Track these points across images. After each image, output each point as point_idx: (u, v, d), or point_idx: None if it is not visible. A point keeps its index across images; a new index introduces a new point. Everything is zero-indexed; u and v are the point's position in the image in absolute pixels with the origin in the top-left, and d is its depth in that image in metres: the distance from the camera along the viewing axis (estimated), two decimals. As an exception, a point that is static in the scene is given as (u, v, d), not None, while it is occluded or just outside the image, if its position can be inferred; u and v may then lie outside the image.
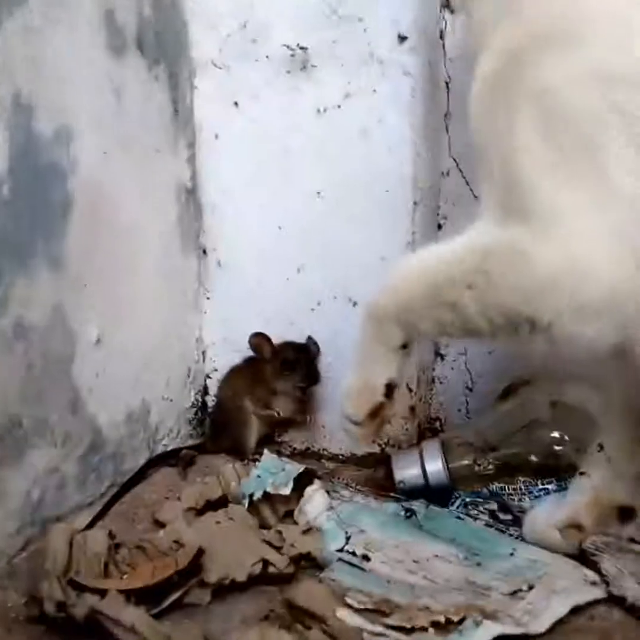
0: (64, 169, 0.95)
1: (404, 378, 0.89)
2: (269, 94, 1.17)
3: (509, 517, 1.02)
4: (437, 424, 1.31)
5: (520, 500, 1.03)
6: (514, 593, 0.82)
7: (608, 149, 0.66)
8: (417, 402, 1.24)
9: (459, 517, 1.01)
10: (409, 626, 0.75)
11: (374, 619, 0.78)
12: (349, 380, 0.86)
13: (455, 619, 0.76)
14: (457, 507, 1.04)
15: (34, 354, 0.92)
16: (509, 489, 1.05)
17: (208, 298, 1.29)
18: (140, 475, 1.13)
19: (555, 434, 1.06)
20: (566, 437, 1.05)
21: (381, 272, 1.16)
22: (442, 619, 0.75)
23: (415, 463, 1.10)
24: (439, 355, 1.29)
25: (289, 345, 1.22)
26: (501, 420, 1.10)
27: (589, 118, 0.67)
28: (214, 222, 1.25)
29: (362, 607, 0.79)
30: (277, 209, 1.21)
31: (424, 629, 0.75)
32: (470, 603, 0.80)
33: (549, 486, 1.03)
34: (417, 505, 1.04)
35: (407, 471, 1.10)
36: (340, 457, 1.26)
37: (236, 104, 1.19)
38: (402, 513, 1.03)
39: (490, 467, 1.08)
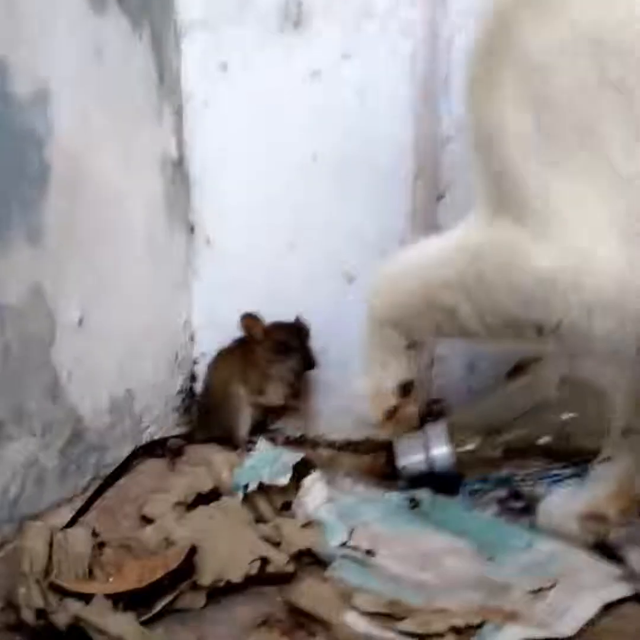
0: (41, 133, 0.87)
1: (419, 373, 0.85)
2: (261, 55, 1.10)
3: (520, 505, 0.95)
4: (437, 406, 1.25)
5: (533, 486, 0.95)
6: (535, 591, 0.75)
7: (604, 129, 0.59)
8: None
9: (467, 508, 0.95)
10: (424, 632, 0.68)
11: (385, 623, 0.70)
12: (361, 383, 0.82)
13: (475, 622, 0.69)
14: (464, 496, 0.98)
15: (11, 336, 0.85)
16: (520, 475, 0.97)
17: (195, 278, 1.22)
18: (124, 468, 1.06)
19: (567, 415, 0.99)
20: (578, 419, 0.99)
21: (380, 244, 1.11)
22: (461, 623, 0.68)
23: (419, 448, 1.03)
24: (438, 335, 1.23)
25: (281, 327, 1.15)
26: (509, 400, 1.04)
27: (580, 94, 0.60)
28: (201, 197, 1.19)
29: (371, 610, 0.72)
30: (269, 181, 1.14)
31: (440, 635, 0.68)
32: (488, 603, 0.73)
33: (565, 471, 0.96)
34: (422, 494, 0.97)
35: (410, 456, 1.03)
36: (337, 444, 1.19)
37: (225, 67, 1.11)
38: (407, 503, 0.96)
39: (497, 451, 1.01)
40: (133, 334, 1.09)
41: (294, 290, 1.16)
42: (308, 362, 1.13)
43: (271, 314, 1.15)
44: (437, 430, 1.04)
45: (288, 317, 1.15)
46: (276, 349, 1.14)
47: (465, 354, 1.21)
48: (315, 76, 1.09)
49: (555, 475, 0.96)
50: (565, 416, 0.99)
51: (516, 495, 0.96)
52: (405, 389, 0.81)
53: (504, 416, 1.02)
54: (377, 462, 1.11)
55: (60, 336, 0.93)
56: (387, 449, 1.07)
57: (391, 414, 0.82)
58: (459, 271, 0.67)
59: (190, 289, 1.22)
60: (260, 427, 1.19)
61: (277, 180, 1.14)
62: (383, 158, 1.08)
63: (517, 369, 1.06)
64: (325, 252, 1.14)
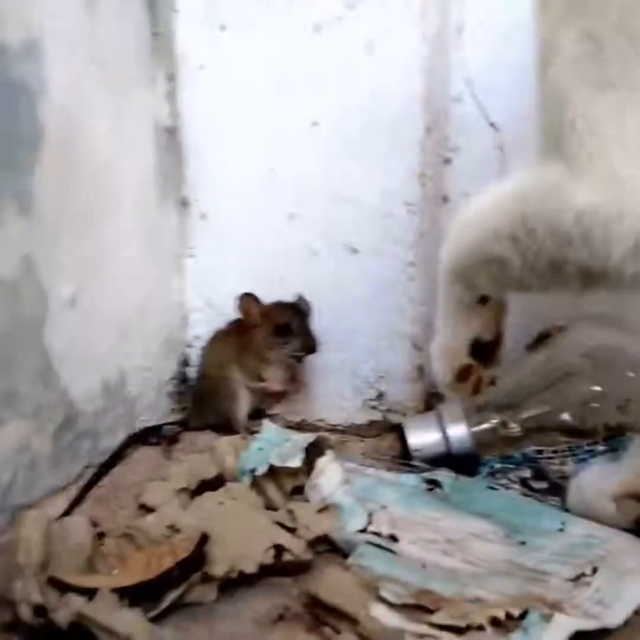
0: (34, 89, 0.81)
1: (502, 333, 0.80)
2: (260, 11, 1.03)
3: (545, 485, 0.89)
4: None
5: (561, 464, 0.89)
6: (576, 578, 0.70)
7: None
8: (425, 361, 1.11)
9: (491, 488, 0.88)
10: (463, 625, 0.62)
11: (416, 616, 0.65)
12: (435, 341, 0.79)
13: (516, 612, 0.63)
14: (484, 476, 0.92)
15: (3, 312, 0.79)
16: (546, 453, 0.91)
17: (190, 256, 1.15)
18: (118, 456, 1.00)
19: (594, 389, 0.93)
20: (605, 393, 0.93)
21: (385, 212, 1.05)
22: (501, 614, 0.63)
23: (434, 427, 0.96)
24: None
25: (281, 308, 1.08)
26: (530, 374, 0.97)
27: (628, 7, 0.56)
28: (196, 168, 1.11)
29: (400, 601, 0.66)
30: (268, 149, 1.07)
31: (480, 628, 0.62)
32: (527, 591, 0.68)
33: (596, 448, 0.89)
34: (441, 475, 0.91)
35: (424, 437, 0.97)
36: (339, 428, 1.13)
37: (222, 26, 1.04)
38: (423, 485, 0.90)
39: (518, 429, 0.94)
40: (124, 316, 1.03)
41: (295, 265, 1.10)
42: (309, 346, 1.07)
43: (270, 292, 1.10)
44: (452, 409, 0.97)
45: (288, 294, 1.09)
46: (275, 333, 1.07)
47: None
48: (318, 29, 1.01)
49: (585, 452, 0.89)
50: (590, 390, 0.93)
51: (540, 475, 0.90)
52: (478, 350, 0.78)
53: (524, 392, 0.96)
54: (384, 444, 1.05)
55: (52, 315, 0.87)
56: (396, 430, 1.01)
57: (463, 376, 0.78)
58: (507, 219, 0.64)
59: (183, 268, 1.15)
60: (258, 414, 1.13)
61: (277, 148, 1.07)
62: (390, 118, 1.02)
63: (539, 341, 1.00)
64: (328, 223, 1.08)
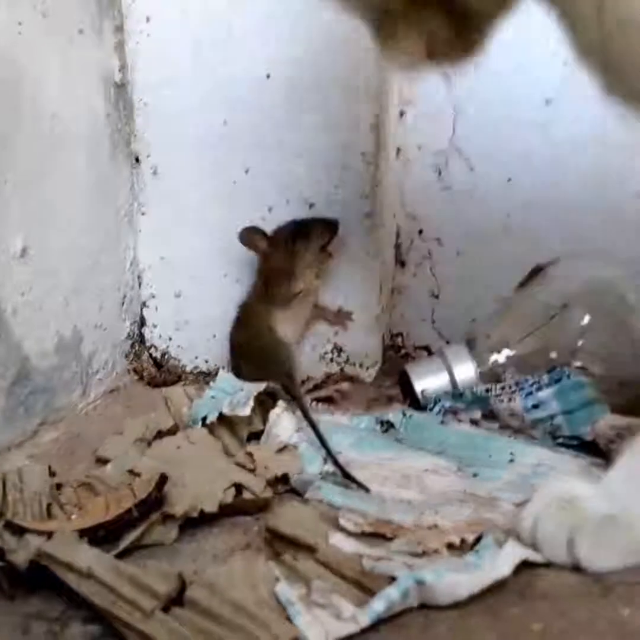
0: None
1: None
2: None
3: (496, 425, 0.90)
4: (400, 339, 1.21)
5: (509, 400, 0.88)
6: (522, 504, 0.71)
7: None
8: (381, 313, 1.13)
9: (442, 422, 0.90)
10: (420, 551, 0.63)
11: (374, 543, 0.66)
12: None
13: (471, 537, 0.65)
14: (436, 413, 0.93)
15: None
16: (496, 390, 0.90)
17: (143, 213, 1.14)
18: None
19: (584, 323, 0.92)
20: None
21: (342, 164, 1.05)
22: (456, 539, 0.64)
23: (440, 368, 0.96)
24: (399, 262, 1.18)
25: (283, 226, 1.06)
26: (523, 311, 0.97)
27: None
28: (146, 124, 1.10)
29: (358, 530, 0.68)
30: (221, 102, 1.06)
31: (435, 552, 0.64)
32: (479, 517, 0.69)
33: (543, 379, 0.88)
34: (393, 414, 0.93)
35: (431, 378, 0.96)
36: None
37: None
38: (378, 427, 0.92)
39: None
40: (78, 272, 1.01)
41: (250, 220, 1.09)
42: (328, 224, 1.03)
43: (227, 248, 1.09)
44: (458, 349, 0.97)
45: (244, 250, 1.09)
46: (286, 242, 1.04)
47: (428, 282, 1.18)
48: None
49: (531, 386, 0.88)
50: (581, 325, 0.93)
51: (491, 415, 0.91)
52: None
53: (518, 329, 0.95)
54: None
55: (2, 266, 0.85)
56: (400, 373, 1.01)
57: None
58: None
59: (136, 225, 1.14)
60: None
61: (229, 101, 1.06)
62: (342, 69, 1.02)
63: (530, 277, 0.99)
64: (283, 177, 1.08)
